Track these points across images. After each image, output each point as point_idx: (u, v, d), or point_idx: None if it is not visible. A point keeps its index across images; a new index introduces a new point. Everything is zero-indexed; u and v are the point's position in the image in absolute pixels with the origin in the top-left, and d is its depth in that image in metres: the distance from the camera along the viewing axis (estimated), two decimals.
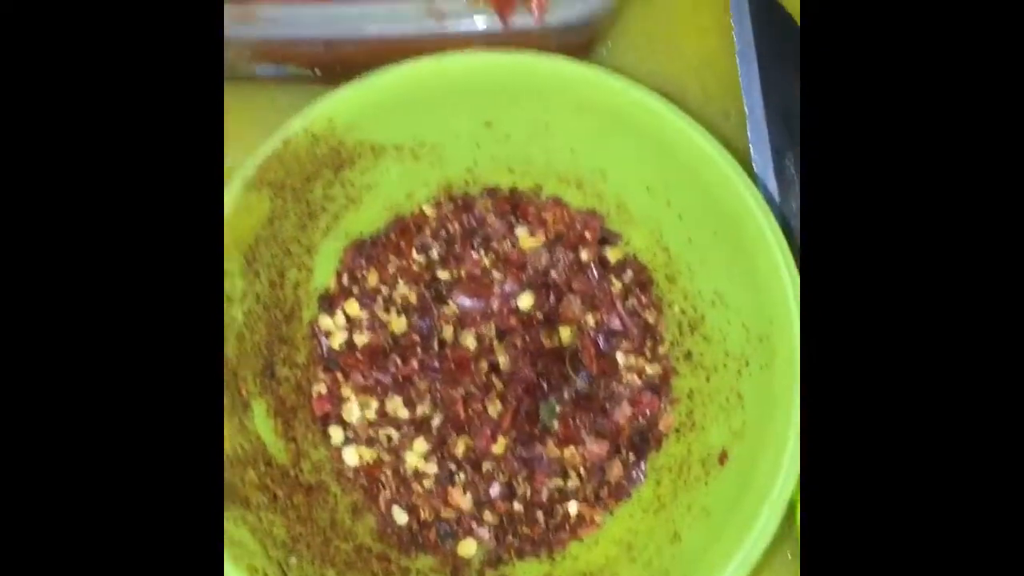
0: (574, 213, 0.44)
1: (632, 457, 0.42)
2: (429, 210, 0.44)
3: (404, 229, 0.44)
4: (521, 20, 0.36)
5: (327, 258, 0.43)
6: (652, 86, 0.45)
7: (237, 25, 0.35)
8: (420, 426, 0.42)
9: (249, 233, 0.38)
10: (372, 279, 0.43)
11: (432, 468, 0.42)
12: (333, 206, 0.42)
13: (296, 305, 0.42)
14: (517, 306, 0.43)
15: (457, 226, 0.44)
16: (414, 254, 0.44)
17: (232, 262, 0.38)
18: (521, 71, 0.38)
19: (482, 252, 0.44)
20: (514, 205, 0.44)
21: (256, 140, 0.45)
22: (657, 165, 0.40)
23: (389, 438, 0.42)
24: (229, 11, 0.36)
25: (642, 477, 0.42)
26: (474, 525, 0.42)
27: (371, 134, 0.39)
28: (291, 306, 0.42)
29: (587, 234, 0.44)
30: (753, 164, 0.45)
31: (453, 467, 0.42)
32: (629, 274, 0.44)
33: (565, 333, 0.43)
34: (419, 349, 0.43)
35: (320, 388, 0.43)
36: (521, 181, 0.44)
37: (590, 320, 0.43)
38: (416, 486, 0.42)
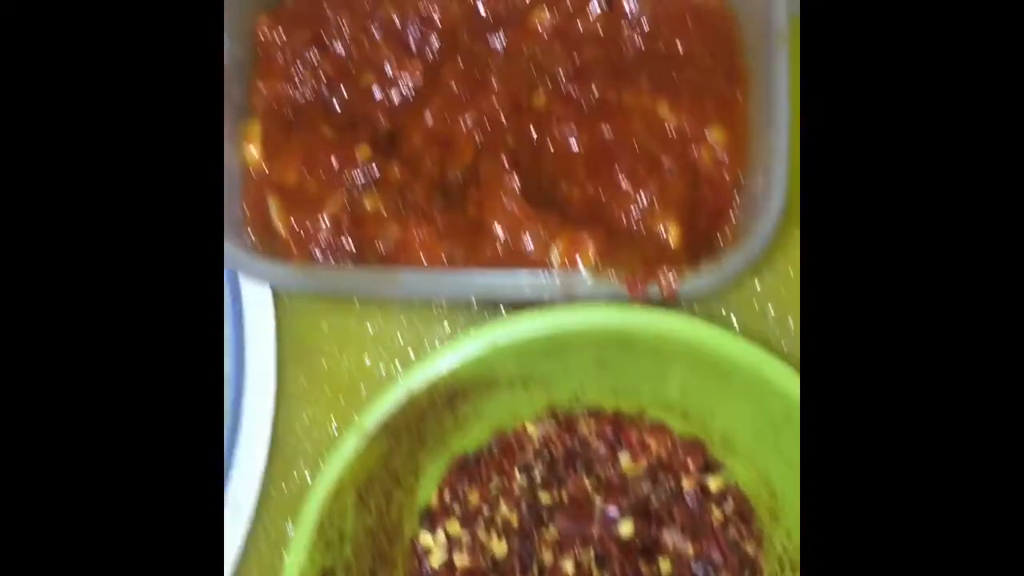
0: (677, 440, 0.44)
1: None
2: (532, 428, 0.44)
3: (507, 447, 0.44)
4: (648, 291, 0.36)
5: (431, 475, 0.43)
6: (757, 317, 0.46)
7: (380, 286, 0.36)
8: None
9: (365, 474, 0.39)
10: (474, 498, 0.44)
11: None
12: (442, 432, 0.42)
13: (399, 524, 0.42)
14: (617, 532, 0.43)
15: (560, 447, 0.44)
16: (516, 474, 0.44)
17: (347, 500, 0.39)
18: (636, 327, 0.38)
19: (584, 475, 0.44)
20: (616, 428, 0.44)
21: (367, 350, 0.46)
22: (765, 415, 0.40)
23: None
24: (374, 275, 0.36)
25: None
26: None
27: (487, 374, 0.40)
28: (395, 526, 0.42)
29: (690, 462, 0.44)
30: None
31: None
32: (730, 504, 0.43)
33: (664, 565, 0.43)
34: (518, 574, 0.43)
35: None
36: (625, 404, 0.44)
37: (689, 550, 0.43)
38: None
